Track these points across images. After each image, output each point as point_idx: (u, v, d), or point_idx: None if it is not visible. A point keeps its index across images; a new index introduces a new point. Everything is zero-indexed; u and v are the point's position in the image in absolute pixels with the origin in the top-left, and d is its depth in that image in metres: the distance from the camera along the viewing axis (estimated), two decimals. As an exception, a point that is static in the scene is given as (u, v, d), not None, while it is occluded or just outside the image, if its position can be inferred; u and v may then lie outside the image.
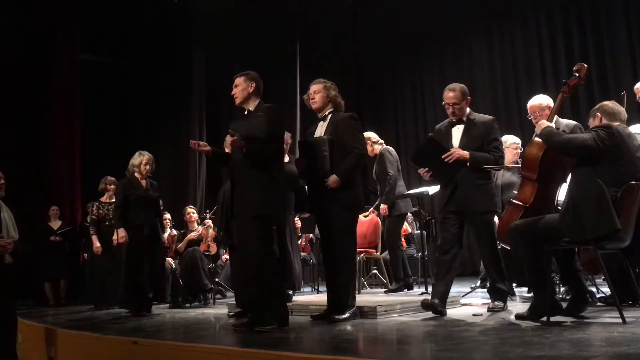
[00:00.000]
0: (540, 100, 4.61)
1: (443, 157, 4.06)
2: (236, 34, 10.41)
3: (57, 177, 9.30)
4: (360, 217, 6.73)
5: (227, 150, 4.50)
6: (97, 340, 4.07)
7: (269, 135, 3.80)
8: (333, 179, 3.99)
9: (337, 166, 4.04)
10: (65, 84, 9.48)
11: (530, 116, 4.63)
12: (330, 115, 4.23)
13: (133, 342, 3.65)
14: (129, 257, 5.57)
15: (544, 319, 3.38)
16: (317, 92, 4.23)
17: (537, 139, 3.79)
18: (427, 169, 4.20)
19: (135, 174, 5.71)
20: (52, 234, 8.05)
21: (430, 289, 5.55)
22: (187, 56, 10.46)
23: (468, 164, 4.05)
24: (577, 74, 3.95)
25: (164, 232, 6.01)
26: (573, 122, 4.54)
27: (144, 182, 5.71)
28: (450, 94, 4.20)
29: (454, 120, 4.25)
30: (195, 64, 10.47)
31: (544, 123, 3.73)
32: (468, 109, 4.24)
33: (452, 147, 4.14)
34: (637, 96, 4.65)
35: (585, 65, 4.01)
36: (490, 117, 4.31)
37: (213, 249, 7.00)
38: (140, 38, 10.47)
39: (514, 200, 3.97)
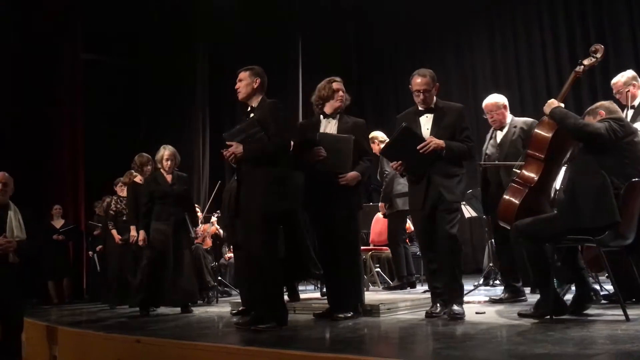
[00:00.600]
0: (496, 99, 4.66)
1: (419, 147, 3.75)
2: (238, 33, 10.41)
3: (60, 176, 9.32)
4: (379, 214, 6.75)
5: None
6: (100, 338, 4.08)
7: (275, 139, 3.74)
8: (354, 175, 3.99)
9: (356, 167, 4.06)
10: (68, 83, 9.50)
11: (486, 115, 4.65)
12: (339, 116, 4.21)
13: (136, 341, 3.66)
14: (149, 255, 5.51)
15: (548, 317, 3.38)
16: (344, 91, 4.22)
17: (547, 119, 3.73)
18: (399, 162, 3.91)
19: (160, 170, 5.62)
20: (55, 232, 8.06)
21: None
22: (189, 55, 10.46)
23: (444, 154, 3.78)
24: (596, 55, 3.85)
25: (195, 226, 5.66)
26: (530, 120, 4.58)
27: (169, 177, 5.58)
28: (419, 79, 3.88)
29: (421, 108, 3.95)
30: (198, 63, 10.47)
31: (554, 102, 3.65)
32: (434, 97, 3.96)
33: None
34: (614, 91, 4.60)
35: (603, 47, 3.91)
36: (458, 104, 4.07)
37: (207, 243, 7.02)
38: (143, 38, 10.48)
39: (517, 179, 3.89)
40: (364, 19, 11.15)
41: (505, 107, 4.66)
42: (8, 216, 4.43)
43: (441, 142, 3.76)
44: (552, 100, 3.70)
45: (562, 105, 3.68)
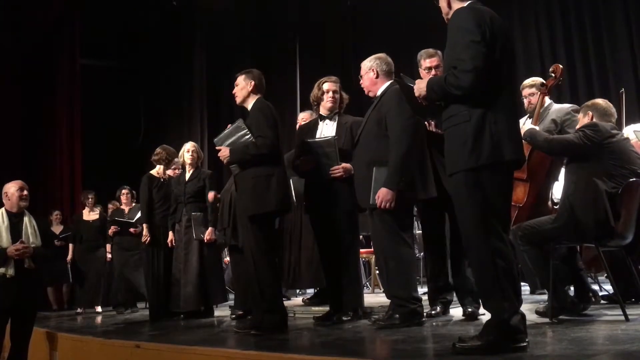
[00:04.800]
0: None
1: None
2: (236, 36, 10.41)
3: (59, 182, 9.31)
4: None
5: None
6: (99, 344, 4.07)
7: (259, 140, 3.72)
8: (346, 166, 3.90)
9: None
10: (66, 88, 9.49)
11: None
12: (337, 117, 4.16)
13: (135, 346, 3.65)
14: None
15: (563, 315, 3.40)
16: (336, 91, 4.14)
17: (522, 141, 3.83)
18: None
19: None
20: (54, 238, 8.01)
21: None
22: (187, 58, 10.46)
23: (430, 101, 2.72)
24: (553, 75, 4.06)
25: (205, 226, 5.28)
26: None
27: (187, 175, 5.46)
28: None
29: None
30: (196, 65, 10.47)
31: (527, 125, 3.78)
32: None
33: None
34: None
35: (561, 66, 4.10)
36: None
37: None
38: (141, 41, 10.48)
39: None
40: (361, 19, 11.16)
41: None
42: (24, 223, 4.52)
43: (421, 87, 2.69)
44: (527, 123, 3.86)
45: (537, 127, 3.79)
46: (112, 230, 6.92)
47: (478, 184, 2.47)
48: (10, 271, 4.32)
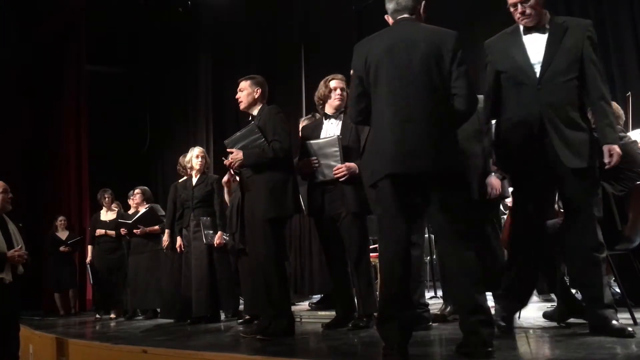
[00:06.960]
0: None
1: None
2: (241, 42, 10.46)
3: (65, 188, 9.35)
4: None
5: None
6: (107, 349, 4.08)
7: (274, 144, 3.72)
8: (350, 165, 3.79)
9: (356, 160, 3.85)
10: (72, 95, 9.57)
11: None
12: (343, 116, 4.02)
13: (143, 351, 3.66)
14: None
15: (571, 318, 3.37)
16: (344, 89, 4.00)
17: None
18: None
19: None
20: (60, 244, 8.04)
21: (439, 293, 5.53)
22: (193, 64, 10.51)
23: None
24: None
25: (214, 230, 5.28)
26: None
27: (194, 180, 5.48)
28: None
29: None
30: (201, 71, 10.52)
31: None
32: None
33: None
34: None
35: None
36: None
37: None
38: (146, 47, 10.54)
39: (511, 205, 3.93)
40: (366, 25, 11.17)
41: None
42: (10, 230, 4.42)
43: None
44: None
45: None
46: (122, 231, 6.70)
47: (378, 200, 2.66)
48: (9, 277, 4.22)
